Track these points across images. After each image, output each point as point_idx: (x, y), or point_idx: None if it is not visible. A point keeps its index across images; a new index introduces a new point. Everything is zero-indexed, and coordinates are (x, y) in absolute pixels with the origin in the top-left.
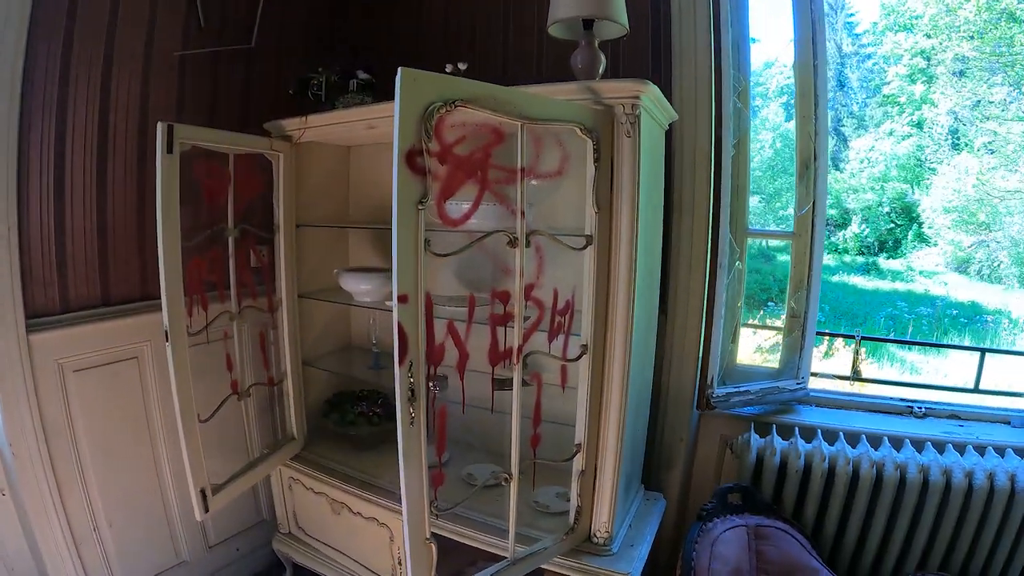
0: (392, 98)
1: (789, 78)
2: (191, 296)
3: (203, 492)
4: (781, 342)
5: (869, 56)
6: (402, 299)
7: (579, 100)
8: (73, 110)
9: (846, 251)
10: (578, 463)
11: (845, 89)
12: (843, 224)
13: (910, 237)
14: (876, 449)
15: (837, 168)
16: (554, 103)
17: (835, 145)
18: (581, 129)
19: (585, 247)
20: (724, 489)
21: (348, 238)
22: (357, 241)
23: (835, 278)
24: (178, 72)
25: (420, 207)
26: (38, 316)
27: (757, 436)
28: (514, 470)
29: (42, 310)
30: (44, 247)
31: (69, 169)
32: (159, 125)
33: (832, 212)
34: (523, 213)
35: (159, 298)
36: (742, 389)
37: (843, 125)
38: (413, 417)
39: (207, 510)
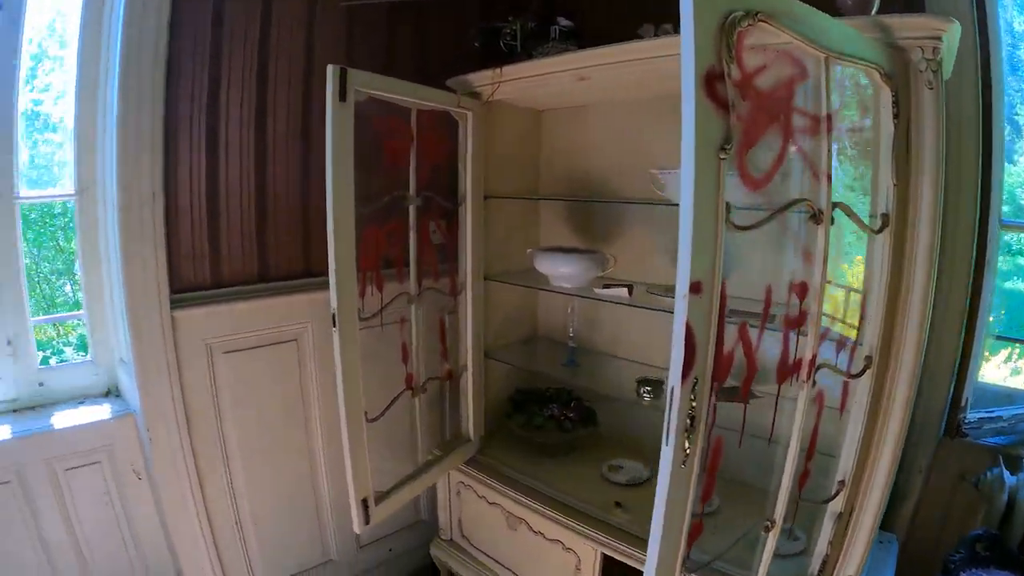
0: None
1: None
2: (364, 273)
3: (364, 502)
4: None
5: None
6: (694, 288)
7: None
8: (228, 57)
9: None
10: (836, 504)
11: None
12: None
13: None
14: None
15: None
16: (856, 36)
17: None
18: (881, 74)
19: (881, 229)
20: (973, 537)
21: (539, 213)
22: (550, 217)
23: None
24: (346, 23)
25: (723, 154)
26: (185, 291)
27: (1008, 472)
28: (778, 517)
29: (190, 285)
30: (194, 215)
31: (223, 124)
32: (330, 69)
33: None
34: (830, 177)
35: (325, 275)
36: (994, 414)
37: (1017, 114)
38: (687, 454)
39: (368, 522)
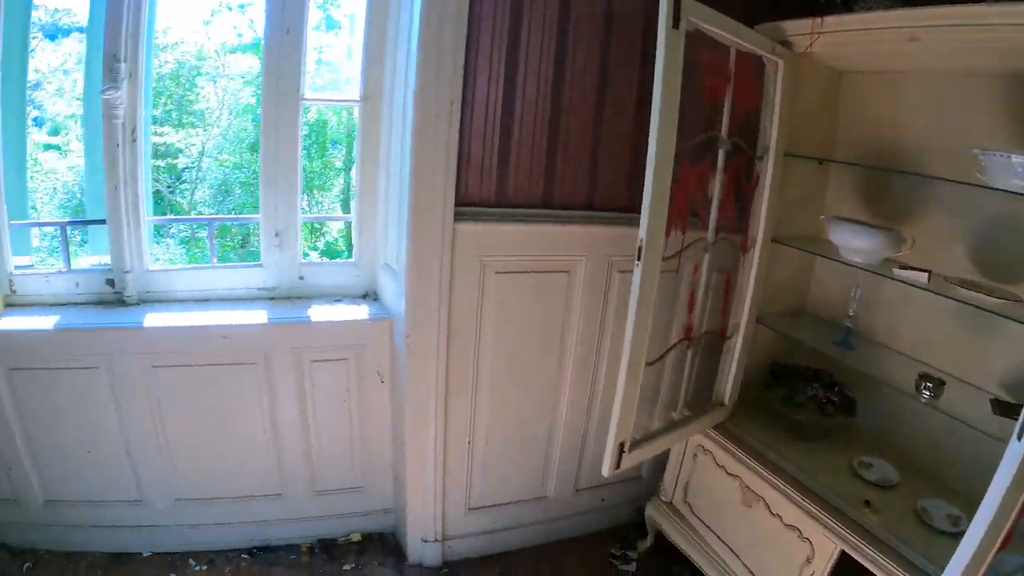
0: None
1: None
2: (672, 212)
3: (622, 446)
4: None
5: None
6: None
7: None
8: None
9: None
10: None
11: None
12: None
13: None
14: None
15: None
16: None
17: None
18: None
19: None
20: None
21: (828, 180)
22: (839, 185)
23: None
24: None
25: None
26: (467, 205)
27: None
28: None
29: (474, 199)
30: (487, 130)
31: (524, 41)
32: None
33: None
34: None
35: (607, 211)
36: None
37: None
38: None
39: (618, 466)
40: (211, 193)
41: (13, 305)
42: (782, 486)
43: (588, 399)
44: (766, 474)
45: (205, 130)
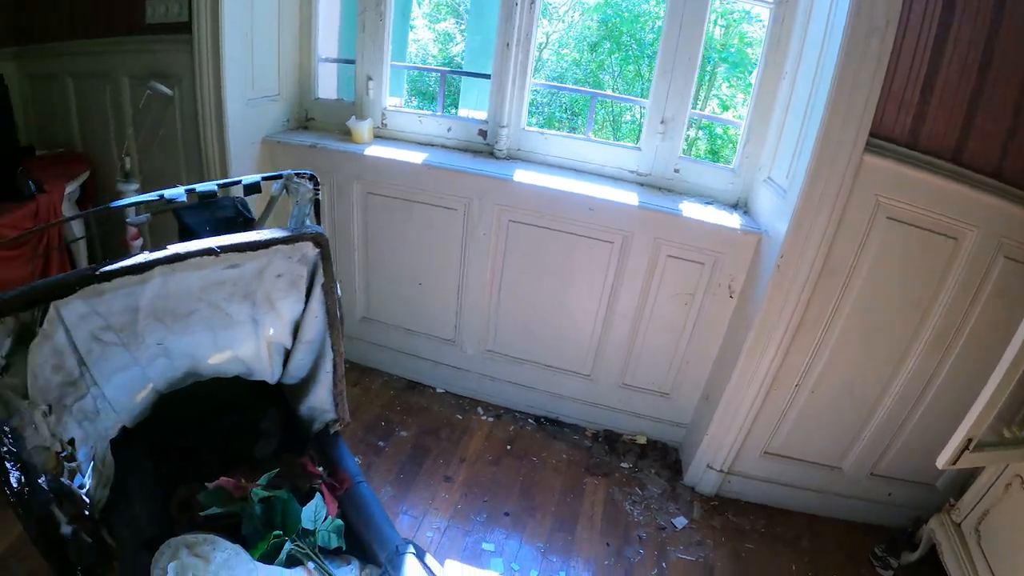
0: None
1: None
2: None
3: (968, 442)
4: None
5: None
6: None
7: None
8: None
9: None
10: None
11: None
12: None
13: None
14: None
15: None
16: None
17: None
18: None
19: None
20: None
21: None
22: None
23: None
24: None
25: None
26: (880, 137)
27: None
28: None
29: (885, 132)
30: (916, 60)
31: None
32: None
33: None
34: None
35: (1018, 187)
36: None
37: None
38: None
39: (954, 463)
40: (542, 85)
41: (382, 137)
42: None
43: (926, 382)
44: None
45: (550, 23)
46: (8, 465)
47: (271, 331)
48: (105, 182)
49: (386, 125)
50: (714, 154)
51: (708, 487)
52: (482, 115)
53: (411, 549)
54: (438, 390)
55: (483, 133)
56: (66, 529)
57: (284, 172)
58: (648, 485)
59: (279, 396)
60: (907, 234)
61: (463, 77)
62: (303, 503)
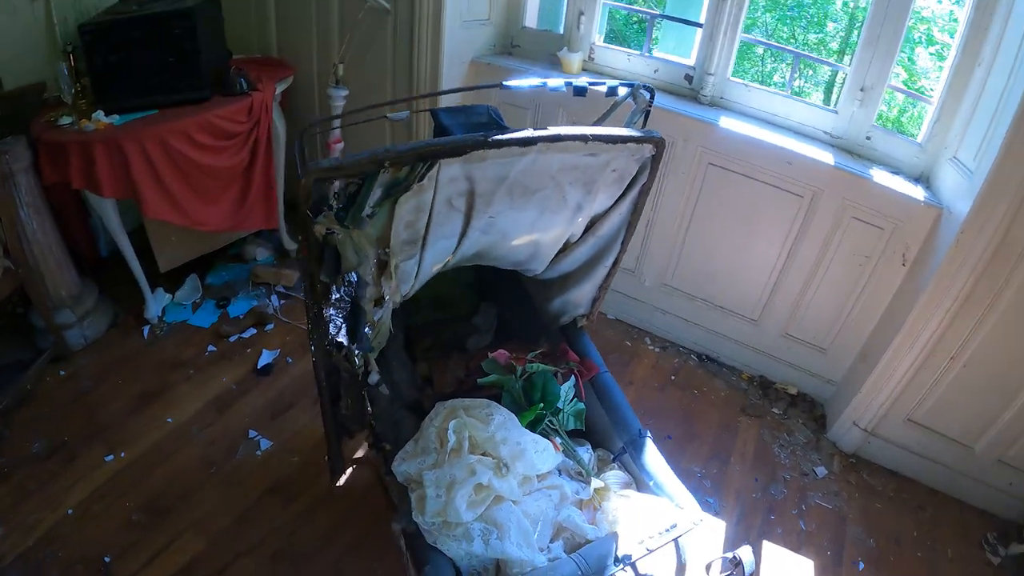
0: None
1: None
2: None
3: None
4: None
5: None
6: None
7: None
8: None
9: None
10: None
11: None
12: None
13: None
14: None
15: None
16: None
17: None
18: None
19: None
20: None
21: None
22: None
23: None
24: None
25: None
26: None
27: None
28: None
29: None
30: None
31: None
32: None
33: None
34: None
35: None
36: None
37: None
38: None
39: None
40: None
41: (588, 71)
42: None
43: None
44: None
45: None
46: (332, 312)
47: (581, 219)
48: (304, 87)
49: (593, 59)
50: (898, 124)
51: (849, 445)
52: (687, 60)
53: (649, 435)
54: (609, 316)
55: (688, 78)
56: (374, 378)
57: (633, 82)
58: (795, 432)
59: (497, 294)
60: None
61: (664, 21)
62: None
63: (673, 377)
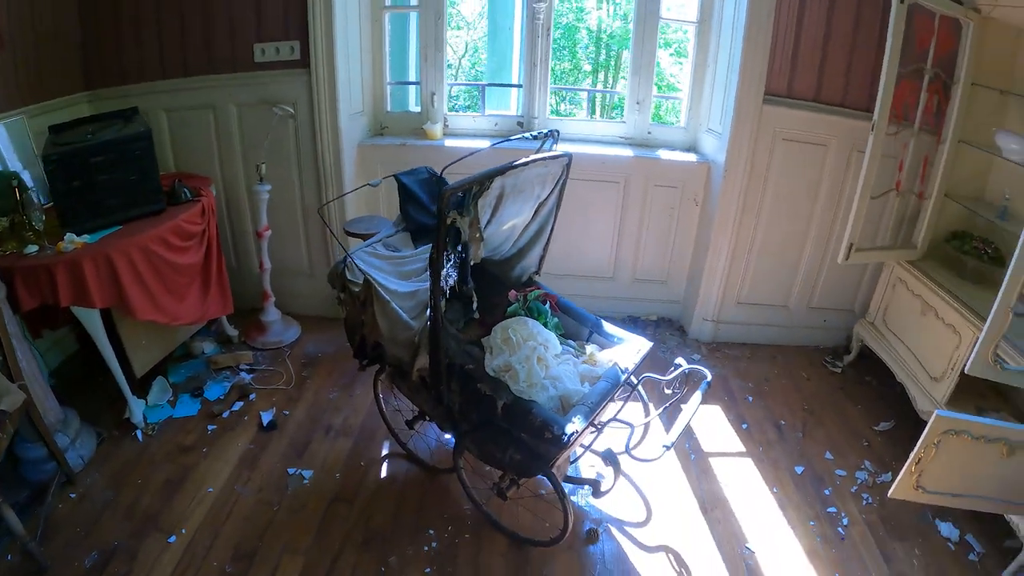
0: None
1: None
2: (894, 106)
3: (851, 246)
4: None
5: None
6: None
7: None
8: None
9: None
10: None
11: None
12: None
13: None
14: None
15: None
16: None
17: None
18: None
19: None
20: None
21: (1007, 108)
22: (990, 110)
23: None
24: None
25: None
26: (770, 94)
27: None
28: None
29: (773, 90)
30: (783, 43)
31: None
32: None
33: None
34: None
35: (857, 110)
36: None
37: None
38: None
39: (847, 258)
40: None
41: (449, 134)
42: (948, 299)
43: (828, 236)
44: (938, 291)
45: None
46: (448, 268)
47: (535, 205)
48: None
49: (448, 126)
50: (658, 117)
51: (706, 336)
52: (514, 112)
53: (602, 320)
54: None
55: (520, 124)
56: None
57: (549, 129)
58: (668, 341)
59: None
60: (796, 148)
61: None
62: None
63: None
